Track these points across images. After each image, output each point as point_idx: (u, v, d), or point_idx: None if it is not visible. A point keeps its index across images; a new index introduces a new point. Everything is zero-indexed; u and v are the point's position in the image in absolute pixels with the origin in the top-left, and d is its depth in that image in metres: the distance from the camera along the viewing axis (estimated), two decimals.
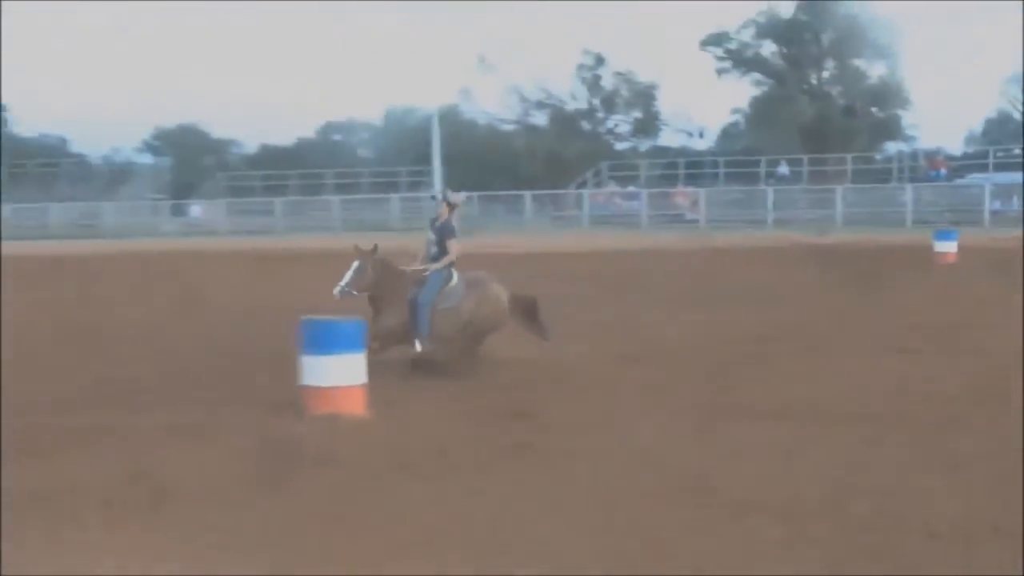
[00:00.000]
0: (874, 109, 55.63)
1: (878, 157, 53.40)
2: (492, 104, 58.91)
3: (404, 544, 5.36)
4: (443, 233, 10.49)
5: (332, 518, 5.78)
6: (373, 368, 8.49)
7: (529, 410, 8.44)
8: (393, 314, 10.17)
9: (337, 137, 66.27)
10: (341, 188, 49.42)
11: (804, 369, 10.32)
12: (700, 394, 9.14)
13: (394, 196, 45.90)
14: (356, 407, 8.17)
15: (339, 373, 8.16)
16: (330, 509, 5.94)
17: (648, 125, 58.21)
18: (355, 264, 10.14)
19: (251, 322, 13.98)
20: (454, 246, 10.41)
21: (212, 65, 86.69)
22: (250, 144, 66.53)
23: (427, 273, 10.35)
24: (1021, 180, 40.38)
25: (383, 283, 10.21)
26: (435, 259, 10.43)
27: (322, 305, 10.22)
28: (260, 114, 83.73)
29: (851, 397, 8.96)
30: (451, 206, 10.68)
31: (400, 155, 54.21)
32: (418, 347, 10.20)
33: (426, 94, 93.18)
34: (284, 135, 66.85)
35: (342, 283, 10.08)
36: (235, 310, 15.83)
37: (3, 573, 4.67)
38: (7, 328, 13.03)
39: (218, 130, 67.63)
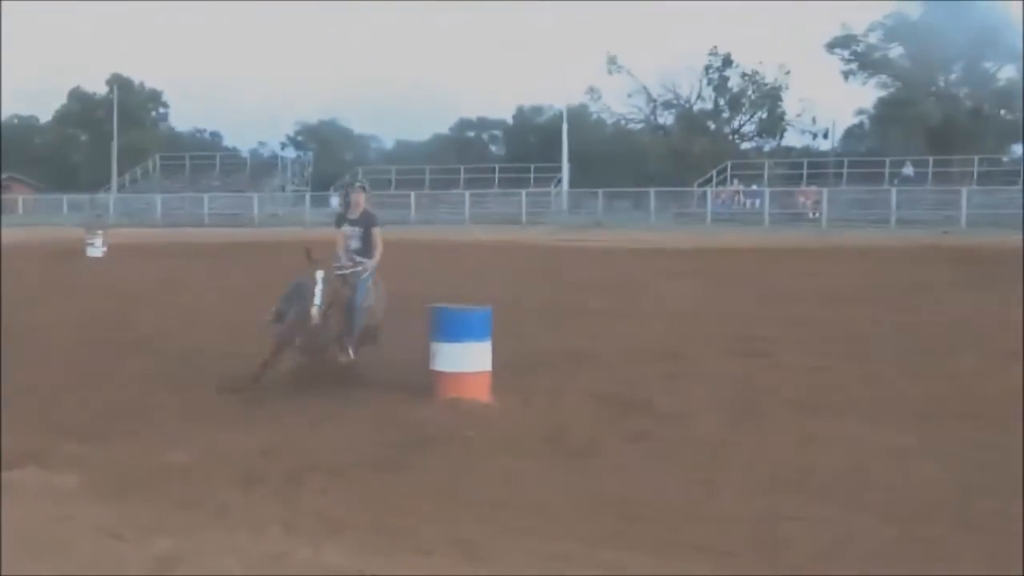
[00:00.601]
0: (1002, 111, 54.19)
1: (1005, 159, 51.74)
2: (620, 104, 59.09)
3: (510, 519, 5.43)
4: (369, 223, 9.27)
5: (450, 493, 5.90)
6: (500, 357, 8.51)
7: (647, 400, 8.42)
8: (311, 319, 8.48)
9: (470, 134, 66.96)
10: (472, 183, 49.85)
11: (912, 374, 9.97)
12: (798, 390, 8.97)
13: (522, 192, 46.13)
14: (482, 393, 8.25)
15: (467, 359, 8.27)
16: (449, 485, 6.06)
17: (773, 125, 57.84)
18: (319, 276, 8.49)
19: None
20: (379, 237, 9.25)
21: (353, 63, 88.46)
22: (387, 139, 67.86)
23: (361, 271, 9.06)
24: None
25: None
26: (359, 252, 9.17)
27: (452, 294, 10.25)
28: (398, 111, 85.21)
29: None
30: (368, 194, 9.51)
31: (529, 152, 54.50)
32: (351, 354, 8.90)
33: (555, 93, 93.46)
34: (420, 131, 68.08)
35: (317, 303, 8.41)
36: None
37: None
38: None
39: (358, 126, 69.15)
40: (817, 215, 39.70)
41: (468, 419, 7.61)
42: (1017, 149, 54.14)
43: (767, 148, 57.75)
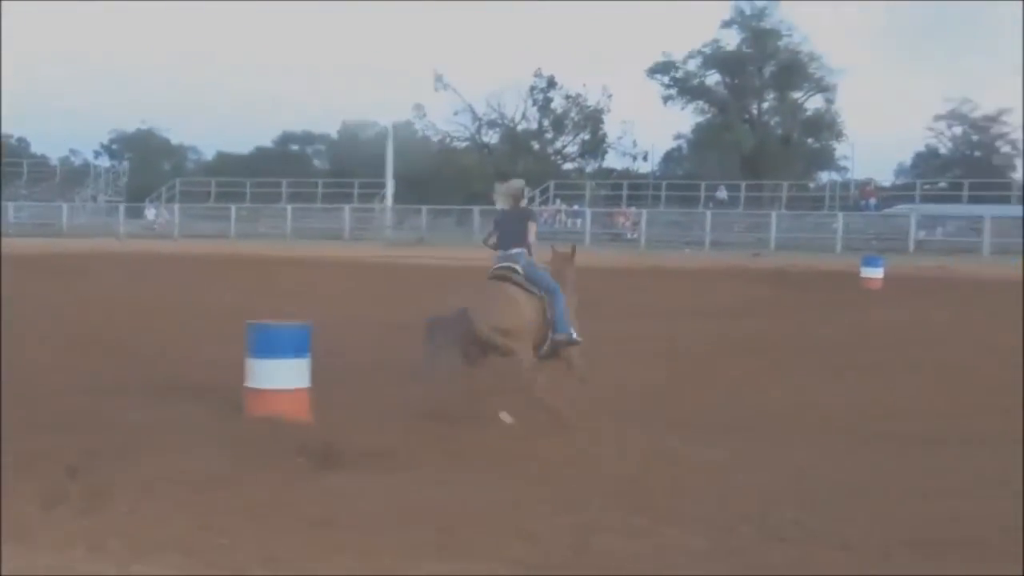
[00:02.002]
0: (810, 140, 56.90)
1: (812, 185, 54.26)
2: (445, 121, 59.27)
3: (326, 535, 5.37)
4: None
5: (267, 512, 5.77)
6: (319, 373, 8.40)
7: (471, 416, 8.38)
8: None
9: (294, 148, 66.15)
10: (295, 197, 49.16)
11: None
12: (624, 403, 9.12)
13: (346, 207, 45.73)
14: (300, 410, 8.09)
15: (284, 376, 8.10)
16: (266, 504, 5.92)
17: (595, 147, 58.95)
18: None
19: (199, 324, 13.82)
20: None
21: (172, 71, 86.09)
22: (208, 151, 66.36)
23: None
24: (945, 211, 41.34)
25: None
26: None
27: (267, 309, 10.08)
28: (219, 122, 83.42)
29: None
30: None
31: (354, 167, 54.11)
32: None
33: (381, 109, 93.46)
34: (242, 144, 66.80)
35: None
36: (185, 312, 15.66)
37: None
38: None
39: (177, 136, 67.39)
40: (636, 235, 40.64)
41: (286, 437, 7.42)
42: (823, 176, 57.09)
43: (589, 169, 58.80)
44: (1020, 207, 40.62)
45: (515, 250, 9.11)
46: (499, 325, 8.64)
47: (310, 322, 8.44)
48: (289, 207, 46.03)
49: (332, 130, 65.58)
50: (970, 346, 13.19)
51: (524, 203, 9.74)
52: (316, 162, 66.54)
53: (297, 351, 8.16)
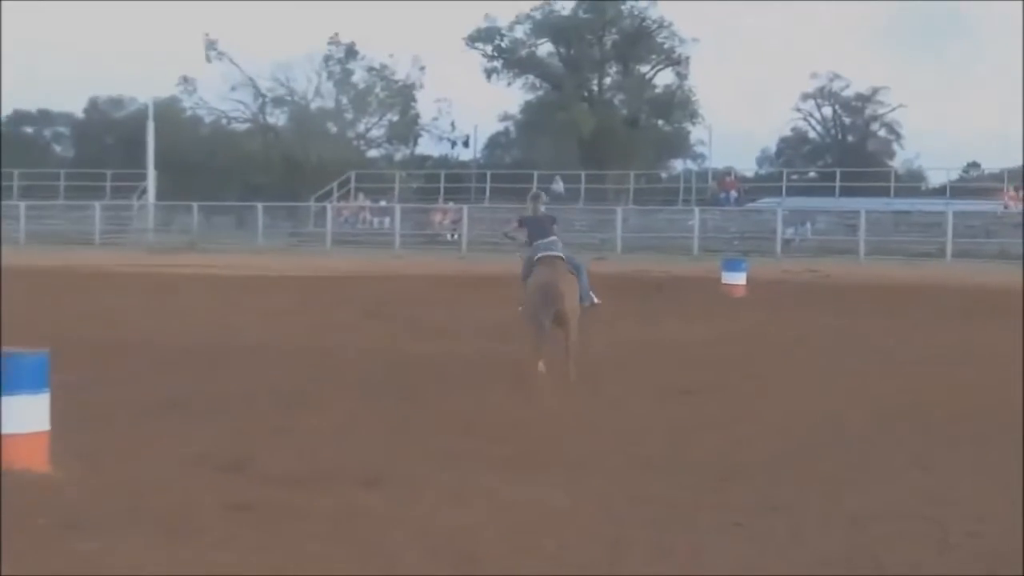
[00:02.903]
0: (660, 122, 58.14)
1: (664, 175, 55.54)
2: (220, 99, 58.40)
3: None
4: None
5: None
6: (63, 413, 8.11)
7: (250, 459, 8.38)
8: None
9: (27, 130, 64.08)
10: (30, 192, 47.63)
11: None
12: (447, 444, 9.18)
13: (96, 204, 44.50)
14: (37, 459, 7.78)
15: (16, 417, 7.75)
16: None
17: (406, 130, 59.18)
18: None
19: None
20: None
21: None
22: None
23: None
24: (816, 205, 42.91)
25: None
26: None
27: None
28: None
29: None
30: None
31: (105, 155, 52.80)
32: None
33: (139, 83, 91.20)
34: None
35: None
36: None
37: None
38: None
39: None
40: (456, 236, 40.82)
41: (22, 495, 7.11)
42: (677, 165, 58.57)
43: (399, 157, 59.17)
44: (900, 200, 42.66)
45: (552, 238, 13.64)
46: (573, 304, 13.10)
47: (48, 349, 8.10)
48: (22, 204, 44.59)
49: (76, 108, 63.82)
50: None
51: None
52: (56, 148, 64.70)
53: (33, 385, 7.85)
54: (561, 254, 13.53)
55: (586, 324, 13.57)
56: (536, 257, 13.50)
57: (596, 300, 13.82)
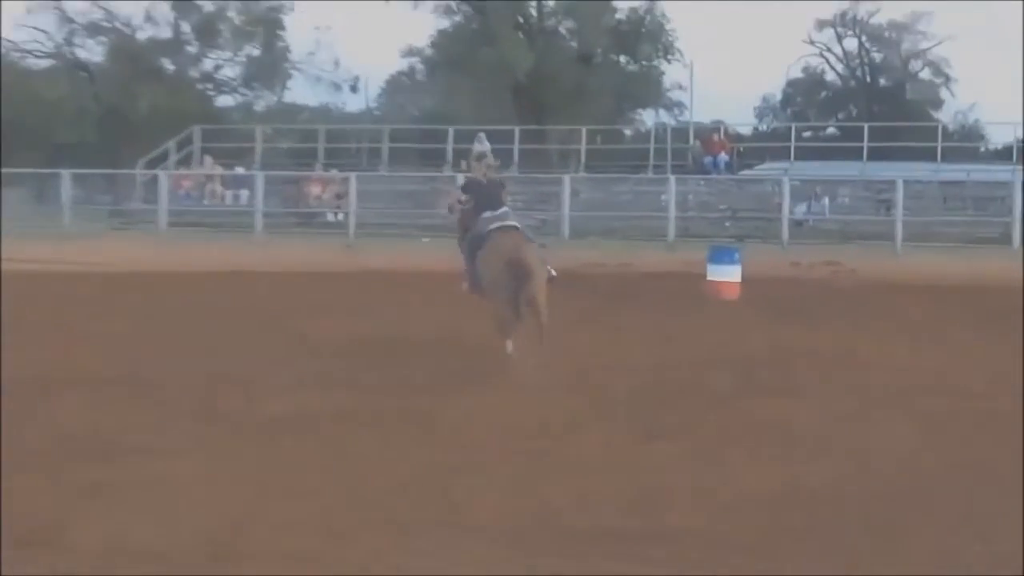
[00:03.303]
0: (623, 59, 58.08)
1: (628, 132, 55.20)
2: (12, 27, 58.67)
3: None
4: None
5: None
6: None
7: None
8: None
9: None
10: None
11: None
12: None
13: None
14: None
15: None
16: None
17: (270, 70, 58.91)
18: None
19: None
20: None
21: None
22: None
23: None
24: (836, 173, 42.55)
25: None
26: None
27: None
28: None
29: None
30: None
31: None
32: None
33: None
34: None
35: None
36: None
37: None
38: None
39: None
40: (341, 216, 40.13)
41: None
42: (646, 117, 58.28)
43: (261, 106, 59.32)
44: (951, 166, 42.33)
45: (504, 209, 15.82)
46: (542, 282, 15.17)
47: None
48: None
49: None
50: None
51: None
52: None
53: None
54: (518, 224, 15.77)
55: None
56: (488, 230, 15.41)
57: (553, 273, 15.85)
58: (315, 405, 13.44)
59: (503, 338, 15.29)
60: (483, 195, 15.90)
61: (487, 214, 15.54)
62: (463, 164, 44.40)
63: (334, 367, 15.80)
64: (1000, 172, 41.02)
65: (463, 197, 16.46)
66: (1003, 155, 46.78)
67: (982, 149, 54.85)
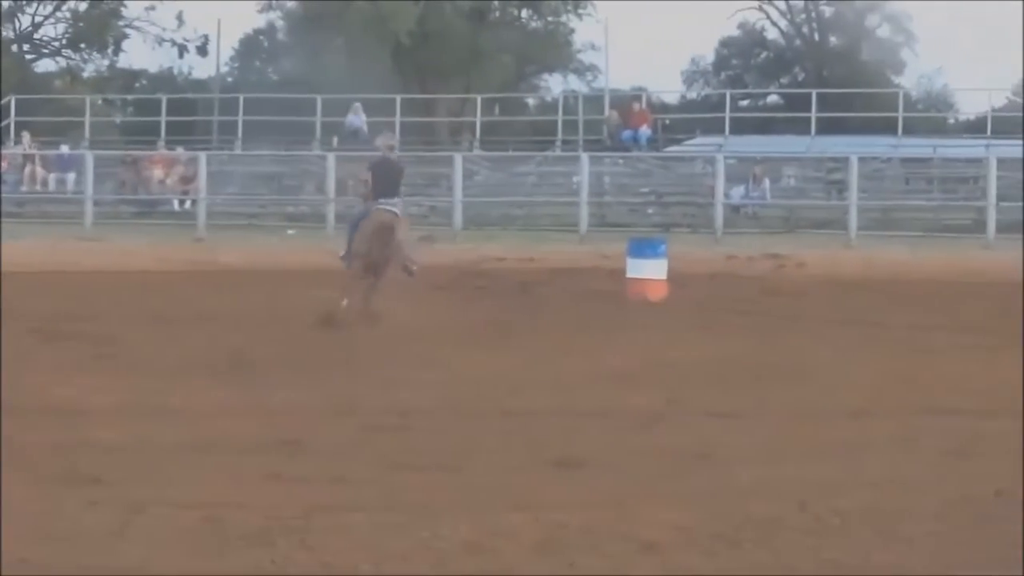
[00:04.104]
0: (524, 14, 58.48)
1: (531, 102, 55.34)
2: None
3: None
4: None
5: None
6: None
7: None
8: None
9: None
10: None
11: None
12: None
13: None
14: None
15: None
16: None
17: (99, 28, 58.58)
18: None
19: None
20: None
21: None
22: None
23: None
24: (778, 149, 42.78)
25: None
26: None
27: None
28: None
29: None
30: None
31: None
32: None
33: None
34: None
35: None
36: None
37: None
38: None
39: None
40: (189, 204, 39.98)
41: None
42: (552, 84, 58.50)
43: (90, 72, 59.39)
44: (915, 140, 42.62)
45: (396, 199, 19.78)
46: (403, 236, 19.62)
47: None
48: None
49: None
50: None
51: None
52: None
53: None
54: (398, 211, 19.72)
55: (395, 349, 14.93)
56: (372, 208, 19.59)
57: (414, 268, 20.03)
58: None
59: (349, 272, 19.89)
60: (383, 179, 19.65)
61: (379, 200, 19.32)
62: (334, 141, 44.73)
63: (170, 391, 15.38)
64: (972, 148, 41.50)
65: (368, 178, 20.06)
66: (975, 127, 47.26)
67: (951, 120, 55.37)
